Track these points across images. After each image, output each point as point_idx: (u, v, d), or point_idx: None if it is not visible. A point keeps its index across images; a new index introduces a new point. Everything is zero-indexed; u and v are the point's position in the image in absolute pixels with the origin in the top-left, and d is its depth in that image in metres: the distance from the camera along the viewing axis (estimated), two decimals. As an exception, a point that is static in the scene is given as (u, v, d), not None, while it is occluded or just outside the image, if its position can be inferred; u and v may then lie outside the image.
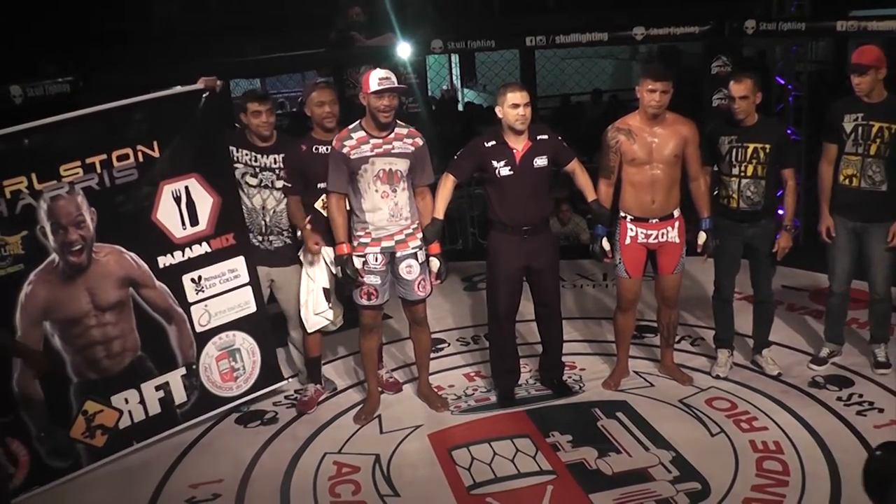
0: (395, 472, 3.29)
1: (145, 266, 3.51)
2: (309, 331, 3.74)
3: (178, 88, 3.55)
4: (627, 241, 3.64)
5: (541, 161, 3.50)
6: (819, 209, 3.80)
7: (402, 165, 3.41)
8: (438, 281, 3.63)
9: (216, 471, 3.39)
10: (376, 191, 3.39)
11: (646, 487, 3.06)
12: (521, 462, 3.28)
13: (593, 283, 5.26)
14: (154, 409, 3.59)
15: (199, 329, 3.67)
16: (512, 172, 3.48)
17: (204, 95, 3.54)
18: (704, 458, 3.22)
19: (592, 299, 5.01)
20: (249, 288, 3.75)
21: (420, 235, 3.53)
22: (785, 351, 4.08)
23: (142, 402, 3.56)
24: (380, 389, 3.85)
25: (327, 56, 6.14)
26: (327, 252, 3.60)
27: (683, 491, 3.03)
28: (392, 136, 3.41)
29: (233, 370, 3.78)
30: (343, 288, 3.67)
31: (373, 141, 3.38)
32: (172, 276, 3.57)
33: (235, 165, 3.65)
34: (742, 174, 3.61)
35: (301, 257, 3.68)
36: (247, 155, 3.66)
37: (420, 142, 3.47)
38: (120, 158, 3.39)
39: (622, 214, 3.65)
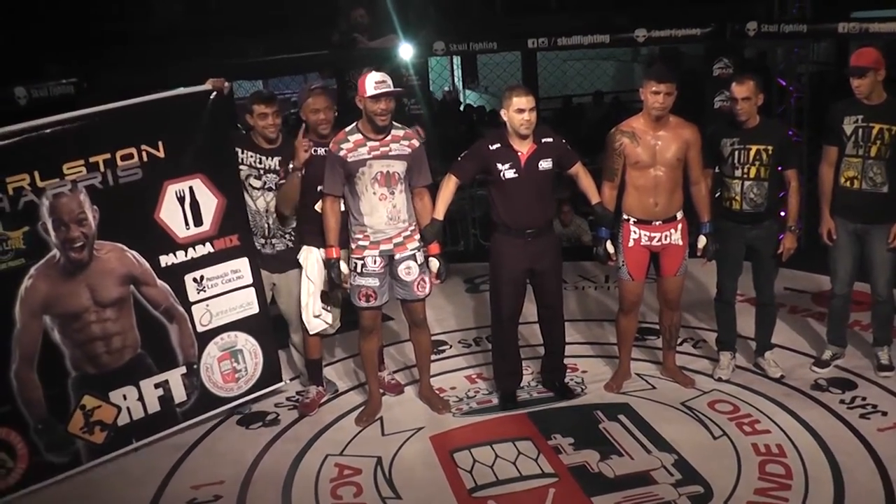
0: (397, 474, 3.29)
1: (147, 264, 3.51)
2: (310, 333, 3.74)
3: (183, 90, 3.55)
4: (630, 243, 3.64)
5: (545, 164, 3.50)
6: (819, 212, 3.80)
7: (399, 167, 3.41)
8: (438, 281, 3.63)
9: (217, 472, 3.39)
10: (374, 193, 3.38)
11: (648, 490, 3.06)
12: (522, 465, 3.28)
13: (595, 284, 5.26)
14: (154, 407, 3.59)
15: (200, 329, 3.67)
16: (517, 175, 3.48)
17: (211, 96, 3.54)
18: (707, 461, 3.22)
19: (594, 301, 5.01)
20: (252, 289, 3.75)
21: (418, 237, 3.53)
22: (787, 353, 4.07)
23: (141, 399, 3.56)
24: (381, 391, 3.85)
25: (330, 58, 6.15)
26: (322, 254, 3.60)
27: (686, 494, 3.02)
28: (389, 138, 3.41)
29: (235, 371, 3.78)
30: (333, 290, 3.67)
31: (370, 143, 3.38)
32: (174, 276, 3.57)
33: (240, 167, 3.65)
34: (745, 176, 3.61)
35: (300, 260, 3.68)
36: (251, 157, 3.65)
37: (417, 143, 3.47)
38: (124, 158, 3.40)
39: (625, 217, 3.64)
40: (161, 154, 3.47)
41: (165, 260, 3.55)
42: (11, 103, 4.75)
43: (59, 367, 3.38)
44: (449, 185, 3.55)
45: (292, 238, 3.73)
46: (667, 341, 3.90)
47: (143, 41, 7.87)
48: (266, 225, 3.71)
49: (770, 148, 3.58)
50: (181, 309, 3.61)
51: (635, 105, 3.61)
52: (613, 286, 4.77)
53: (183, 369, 3.66)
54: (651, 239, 3.61)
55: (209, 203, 3.60)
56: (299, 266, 3.68)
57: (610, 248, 3.65)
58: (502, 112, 3.49)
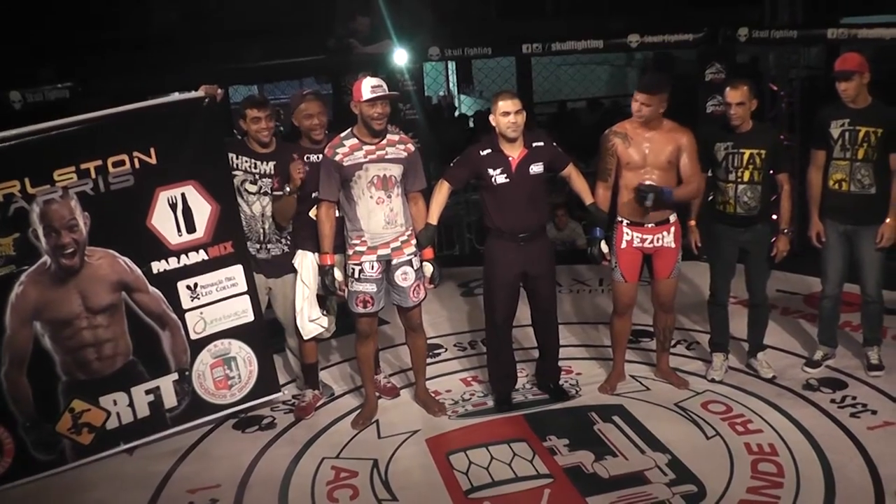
0: (393, 477, 3.30)
1: (139, 270, 3.51)
2: (305, 338, 3.75)
3: (177, 95, 3.56)
4: (623, 245, 3.67)
5: (536, 168, 3.53)
6: (808, 215, 3.83)
7: (395, 171, 3.43)
8: (432, 285, 3.66)
9: (214, 476, 3.39)
10: (371, 197, 3.40)
11: (642, 490, 3.08)
12: (518, 466, 3.30)
13: (589, 287, 5.28)
14: (143, 411, 3.58)
15: (193, 336, 3.66)
16: (508, 180, 3.50)
17: (204, 103, 3.55)
18: (700, 460, 3.25)
19: (589, 304, 5.03)
20: (247, 297, 3.73)
21: (414, 242, 3.55)
22: (779, 354, 4.10)
23: (131, 404, 3.56)
24: (377, 394, 3.87)
25: (325, 63, 6.17)
26: (317, 259, 3.61)
27: (679, 493, 3.05)
28: (384, 142, 3.43)
29: (227, 378, 3.75)
30: (327, 296, 3.68)
31: (366, 147, 3.40)
32: (167, 282, 3.57)
33: (235, 173, 3.65)
34: (738, 180, 3.64)
35: (295, 264, 3.69)
36: (246, 162, 3.66)
37: (412, 147, 3.50)
38: (116, 164, 3.41)
39: (619, 219, 3.68)
40: (153, 161, 3.47)
41: (157, 266, 3.55)
42: (6, 107, 4.76)
43: (49, 372, 3.40)
44: (442, 191, 3.58)
45: (288, 243, 3.74)
46: (660, 343, 3.93)
47: (138, 46, 7.88)
48: (261, 230, 3.71)
49: (763, 152, 3.61)
50: (174, 316, 3.60)
51: (630, 110, 3.66)
52: (607, 289, 4.80)
53: (175, 376, 3.65)
54: (644, 241, 3.64)
55: (202, 210, 3.59)
56: (294, 271, 3.69)
57: (604, 248, 3.68)
58: (491, 117, 3.53)
